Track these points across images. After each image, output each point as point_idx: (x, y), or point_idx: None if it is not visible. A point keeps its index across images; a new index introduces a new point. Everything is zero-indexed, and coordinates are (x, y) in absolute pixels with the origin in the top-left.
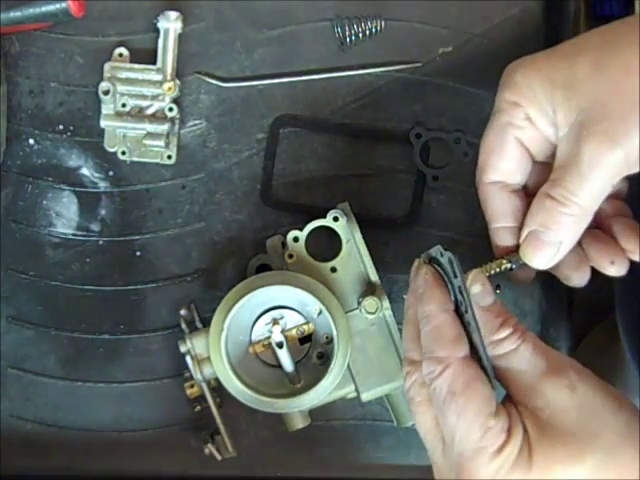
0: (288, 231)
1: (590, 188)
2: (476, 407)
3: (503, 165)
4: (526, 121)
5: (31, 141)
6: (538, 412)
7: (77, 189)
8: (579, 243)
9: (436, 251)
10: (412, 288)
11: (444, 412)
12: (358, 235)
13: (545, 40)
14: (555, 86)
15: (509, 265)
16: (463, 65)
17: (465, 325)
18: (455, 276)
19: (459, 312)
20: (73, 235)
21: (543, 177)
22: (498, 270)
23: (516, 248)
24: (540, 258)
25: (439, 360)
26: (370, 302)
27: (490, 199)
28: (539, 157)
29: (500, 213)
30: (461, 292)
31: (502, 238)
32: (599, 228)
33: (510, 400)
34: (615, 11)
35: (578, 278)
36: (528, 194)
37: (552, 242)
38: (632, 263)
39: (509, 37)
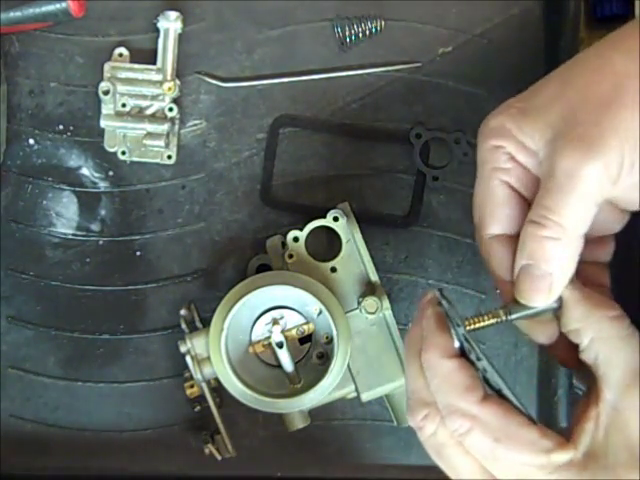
0: (288, 231)
1: (570, 202)
2: (532, 442)
3: (499, 212)
4: (510, 161)
5: (31, 141)
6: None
7: (77, 189)
8: None
9: (439, 295)
10: (417, 321)
11: (497, 459)
12: (358, 235)
13: (545, 40)
14: (526, 113)
15: (508, 315)
16: (463, 65)
17: (480, 371)
18: (458, 325)
19: (468, 359)
20: (73, 235)
21: None
22: (497, 320)
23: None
24: (535, 295)
25: (463, 413)
26: (370, 302)
27: (493, 254)
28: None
29: (506, 268)
30: (467, 340)
31: (510, 291)
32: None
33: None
34: (615, 11)
35: None
36: None
37: (543, 275)
38: (626, 264)
39: (509, 37)
